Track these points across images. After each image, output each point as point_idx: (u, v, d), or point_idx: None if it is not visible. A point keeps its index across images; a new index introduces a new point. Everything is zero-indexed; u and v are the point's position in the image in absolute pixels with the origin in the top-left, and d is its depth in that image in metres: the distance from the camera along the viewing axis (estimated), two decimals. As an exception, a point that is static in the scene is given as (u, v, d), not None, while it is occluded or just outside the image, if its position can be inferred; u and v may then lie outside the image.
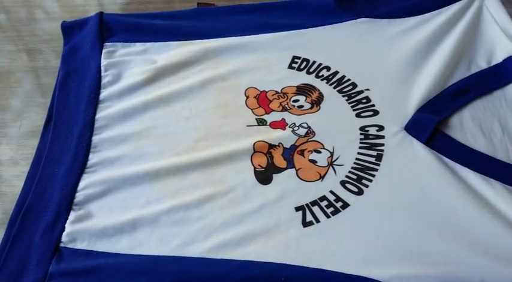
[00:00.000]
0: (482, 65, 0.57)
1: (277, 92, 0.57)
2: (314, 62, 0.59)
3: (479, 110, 0.55)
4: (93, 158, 0.52)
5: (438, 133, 0.53)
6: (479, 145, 0.52)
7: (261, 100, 0.57)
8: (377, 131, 0.53)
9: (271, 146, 0.52)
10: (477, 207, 0.47)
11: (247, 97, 0.57)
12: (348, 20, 0.62)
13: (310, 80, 0.58)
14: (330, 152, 0.52)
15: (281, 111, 0.55)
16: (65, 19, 0.64)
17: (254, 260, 0.45)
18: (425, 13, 0.62)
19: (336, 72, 0.58)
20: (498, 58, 0.57)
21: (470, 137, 0.53)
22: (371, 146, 0.52)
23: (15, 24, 0.68)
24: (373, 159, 0.51)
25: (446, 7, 0.62)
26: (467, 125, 0.54)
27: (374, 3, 0.63)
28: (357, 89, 0.57)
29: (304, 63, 0.59)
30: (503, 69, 0.57)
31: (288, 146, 0.53)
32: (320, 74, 0.58)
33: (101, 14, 0.63)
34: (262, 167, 0.51)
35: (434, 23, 0.61)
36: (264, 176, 0.50)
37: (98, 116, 0.55)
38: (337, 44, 0.61)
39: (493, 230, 0.46)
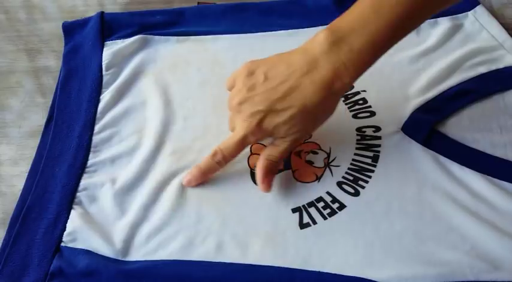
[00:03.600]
0: (482, 70, 0.58)
1: (274, 92, 0.57)
2: (311, 63, 0.59)
3: (477, 111, 0.55)
4: (93, 158, 0.53)
5: (435, 133, 0.53)
6: (477, 144, 0.52)
7: (259, 100, 0.57)
8: (374, 132, 0.53)
9: (268, 148, 0.53)
10: (474, 207, 0.48)
11: (245, 96, 0.57)
12: (346, 21, 0.62)
13: (308, 80, 0.58)
14: (327, 153, 0.52)
15: (278, 111, 0.56)
16: (65, 19, 0.65)
17: (253, 263, 0.45)
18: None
19: (333, 73, 0.58)
20: (498, 66, 0.58)
21: (468, 136, 0.53)
22: (367, 147, 0.52)
23: (15, 25, 0.68)
24: (369, 160, 0.51)
25: (442, 17, 0.62)
26: (465, 126, 0.54)
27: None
28: (353, 90, 0.57)
29: (302, 63, 0.59)
30: (504, 75, 0.57)
31: (285, 147, 0.53)
32: (317, 75, 0.58)
33: (101, 14, 0.64)
34: (259, 168, 0.51)
35: (432, 29, 0.61)
36: (261, 178, 0.51)
37: (98, 115, 0.56)
38: (334, 44, 0.61)
39: (489, 229, 0.46)
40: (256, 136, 0.48)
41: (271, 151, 0.49)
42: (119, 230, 0.48)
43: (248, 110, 0.47)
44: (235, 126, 0.49)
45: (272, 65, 0.47)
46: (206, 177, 0.51)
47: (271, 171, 0.49)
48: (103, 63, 0.60)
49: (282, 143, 0.48)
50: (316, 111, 0.46)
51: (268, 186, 0.49)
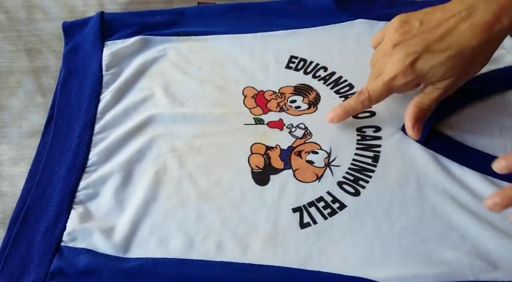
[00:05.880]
0: (482, 70, 0.57)
1: (274, 92, 0.57)
2: (311, 62, 0.59)
3: (477, 111, 0.55)
4: (93, 157, 0.53)
5: (435, 133, 0.53)
6: (477, 144, 0.52)
7: (259, 100, 0.57)
8: (374, 132, 0.53)
9: (268, 148, 0.53)
10: (474, 207, 0.48)
11: (245, 96, 0.57)
12: (346, 21, 0.62)
13: (307, 80, 0.58)
14: (327, 153, 0.52)
15: (279, 111, 0.56)
16: (65, 19, 0.65)
17: (253, 262, 0.45)
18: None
19: (333, 73, 0.58)
20: (498, 66, 0.58)
21: (468, 136, 0.53)
22: (368, 147, 0.52)
23: (15, 25, 0.68)
24: (369, 160, 0.51)
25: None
26: (466, 126, 0.54)
27: (372, 5, 0.64)
28: (353, 90, 0.57)
29: (302, 63, 0.60)
30: (504, 75, 0.57)
31: (285, 147, 0.53)
32: (317, 75, 0.59)
33: (101, 14, 0.64)
34: (260, 168, 0.51)
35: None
36: (261, 177, 0.51)
37: (98, 115, 0.56)
38: (334, 44, 0.61)
39: (489, 229, 0.46)
40: (407, 77, 0.47)
41: (422, 99, 0.49)
42: (120, 227, 0.48)
43: (403, 51, 0.46)
44: (386, 69, 0.48)
45: (427, 12, 0.48)
46: (348, 116, 0.52)
47: (421, 119, 0.49)
48: (103, 63, 0.60)
49: (434, 91, 0.48)
50: (474, 56, 0.46)
51: (418, 134, 0.49)
